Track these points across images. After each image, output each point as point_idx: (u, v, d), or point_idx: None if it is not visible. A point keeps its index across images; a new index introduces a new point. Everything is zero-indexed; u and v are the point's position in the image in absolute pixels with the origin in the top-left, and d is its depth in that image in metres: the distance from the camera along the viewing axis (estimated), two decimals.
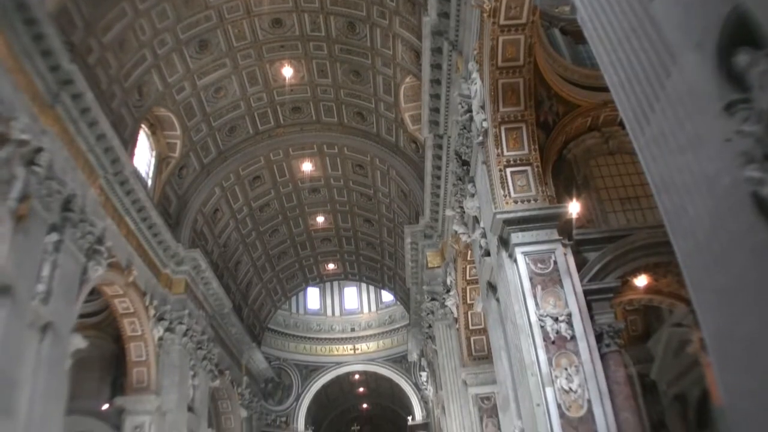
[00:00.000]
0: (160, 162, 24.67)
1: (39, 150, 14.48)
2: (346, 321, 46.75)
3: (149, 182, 23.73)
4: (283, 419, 43.15)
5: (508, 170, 14.62)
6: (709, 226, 4.11)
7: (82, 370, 22.56)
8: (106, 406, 24.06)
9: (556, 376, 12.74)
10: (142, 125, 23.04)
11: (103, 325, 24.50)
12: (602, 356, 13.21)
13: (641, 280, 14.71)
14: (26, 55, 14.54)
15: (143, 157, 23.63)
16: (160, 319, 23.22)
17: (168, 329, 23.56)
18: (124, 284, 20.65)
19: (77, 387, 21.87)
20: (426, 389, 35.67)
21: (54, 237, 15.35)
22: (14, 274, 13.33)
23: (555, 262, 13.73)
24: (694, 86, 4.15)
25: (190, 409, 24.89)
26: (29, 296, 14.18)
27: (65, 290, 16.00)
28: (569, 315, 13.17)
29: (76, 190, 16.49)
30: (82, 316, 19.37)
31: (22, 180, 13.85)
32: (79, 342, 17.54)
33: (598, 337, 13.35)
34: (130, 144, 21.16)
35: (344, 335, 46.04)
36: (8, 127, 13.46)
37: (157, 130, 24.39)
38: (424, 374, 34.14)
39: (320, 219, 34.52)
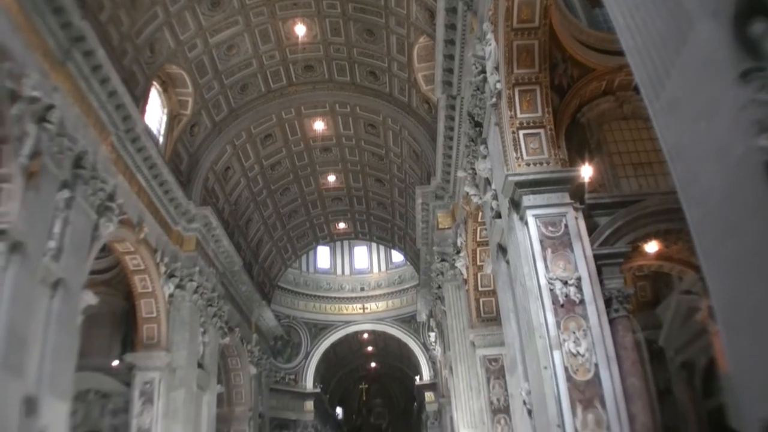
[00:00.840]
0: (172, 119, 24.64)
1: (50, 107, 14.46)
2: (356, 280, 47.01)
3: (161, 139, 23.72)
4: (292, 377, 43.61)
5: (521, 132, 14.54)
6: (722, 195, 4.08)
7: (93, 326, 22.74)
8: (116, 363, 24.35)
9: (564, 340, 12.77)
10: (154, 82, 22.96)
11: (113, 281, 24.73)
12: (611, 321, 13.22)
13: (652, 246, 14.68)
14: (37, 13, 14.44)
15: (155, 115, 23.60)
16: (171, 276, 23.36)
17: (178, 286, 23.72)
18: (135, 241, 20.76)
19: (88, 343, 22.02)
20: (434, 349, 35.87)
21: (65, 194, 15.39)
22: (25, 230, 13.38)
23: (566, 226, 13.70)
24: (710, 54, 4.10)
25: (200, 365, 25.15)
26: (40, 253, 14.25)
27: (76, 247, 16.08)
28: (579, 279, 13.18)
29: (87, 147, 16.48)
30: (92, 272, 19.47)
31: (34, 137, 13.85)
32: (90, 298, 17.67)
33: (607, 302, 13.36)
34: (141, 101, 21.09)
35: (354, 294, 46.33)
36: (19, 85, 13.44)
37: (168, 87, 24.32)
38: (432, 335, 34.32)
39: (331, 178, 34.48)
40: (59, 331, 14.84)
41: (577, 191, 14.08)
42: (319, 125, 30.13)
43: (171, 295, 23.36)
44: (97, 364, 23.90)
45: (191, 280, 24.34)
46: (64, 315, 15.24)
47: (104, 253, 21.51)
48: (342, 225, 39.93)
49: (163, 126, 24.20)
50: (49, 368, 14.20)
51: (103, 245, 18.95)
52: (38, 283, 14.10)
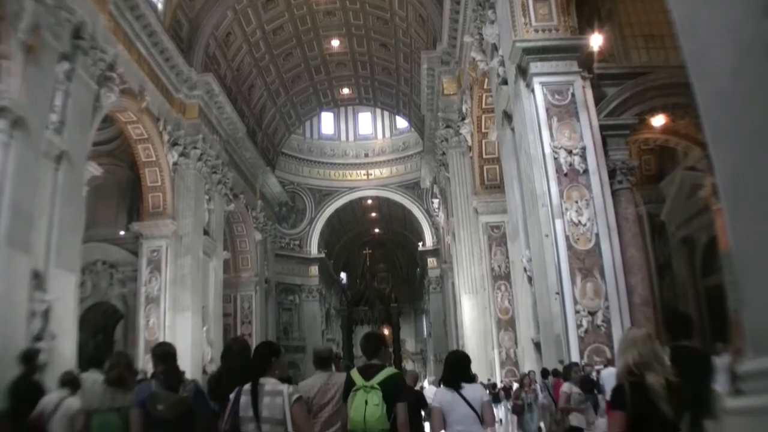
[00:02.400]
0: None
1: None
2: (360, 146, 46.90)
3: (159, 6, 22.94)
4: (297, 242, 44.27)
5: None
6: (731, 74, 3.96)
7: (99, 197, 23.00)
8: (123, 233, 24.63)
9: (567, 209, 12.92)
10: None
11: (117, 152, 24.66)
12: (613, 192, 13.33)
13: (658, 120, 14.56)
14: None
15: None
16: (174, 144, 23.35)
17: (182, 154, 23.73)
18: (137, 110, 20.63)
19: (94, 215, 22.30)
20: (437, 216, 36.25)
21: (65, 66, 15.21)
22: (27, 105, 13.24)
23: (573, 95, 13.63)
24: None
25: (206, 232, 25.50)
26: (43, 127, 14.18)
27: (78, 119, 16.01)
28: (583, 149, 13.20)
29: (85, 17, 16.08)
30: (96, 144, 19.48)
31: (31, 12, 13.51)
32: (94, 170, 17.75)
33: (611, 173, 13.42)
34: None
35: (358, 161, 46.36)
36: None
37: None
38: (436, 201, 34.58)
39: (335, 43, 33.72)
40: (65, 203, 14.95)
41: (585, 60, 13.89)
42: None
43: (175, 164, 23.41)
44: (104, 235, 24.24)
45: (195, 148, 24.32)
46: (69, 187, 15.32)
47: (107, 123, 21.39)
48: (346, 90, 39.44)
49: None
50: (56, 241, 14.43)
51: (105, 116, 18.87)
52: (42, 157, 14.10)
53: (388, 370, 5.21)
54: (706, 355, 6.39)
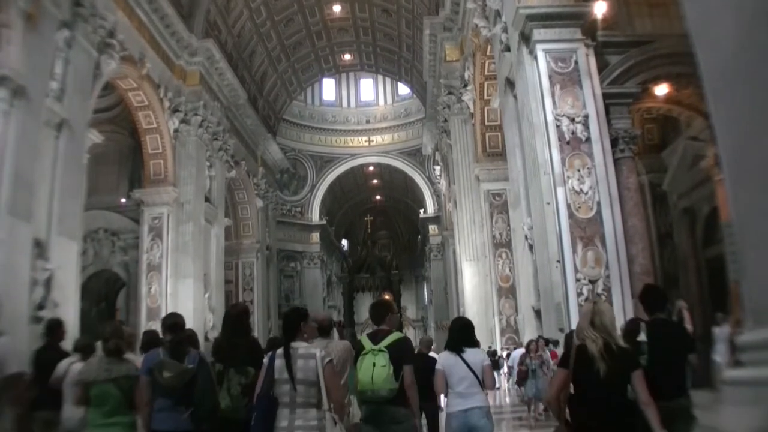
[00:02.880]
0: None
1: None
2: (362, 113, 46.72)
3: None
4: (298, 209, 44.28)
5: None
6: (734, 45, 3.93)
7: (100, 165, 22.99)
8: (124, 200, 24.64)
9: (568, 177, 12.91)
10: None
11: (118, 119, 24.62)
12: (616, 161, 13.29)
13: (662, 89, 14.46)
14: None
15: None
16: (175, 111, 23.28)
17: (183, 121, 23.66)
18: (138, 77, 20.56)
19: (95, 182, 22.37)
20: (439, 183, 36.20)
21: (65, 33, 15.17)
22: (27, 74, 13.18)
23: (576, 62, 13.56)
24: None
25: (208, 199, 25.50)
26: (43, 95, 14.15)
27: (79, 86, 15.98)
28: (586, 117, 13.16)
29: None
30: (97, 111, 19.44)
31: None
32: (95, 137, 17.74)
33: (614, 142, 13.38)
34: None
35: (359, 127, 46.21)
36: None
37: None
38: (437, 168, 34.52)
39: (337, 8, 33.43)
40: (66, 171, 14.98)
41: (589, 28, 13.80)
42: None
43: (176, 130, 23.36)
44: (106, 203, 24.31)
45: (196, 115, 24.23)
46: (70, 155, 15.33)
47: (107, 91, 21.35)
48: (348, 56, 39.17)
49: None
50: (57, 210, 14.49)
51: (105, 83, 18.83)
52: (42, 125, 14.08)
53: (396, 335, 5.58)
54: (682, 327, 6.71)
